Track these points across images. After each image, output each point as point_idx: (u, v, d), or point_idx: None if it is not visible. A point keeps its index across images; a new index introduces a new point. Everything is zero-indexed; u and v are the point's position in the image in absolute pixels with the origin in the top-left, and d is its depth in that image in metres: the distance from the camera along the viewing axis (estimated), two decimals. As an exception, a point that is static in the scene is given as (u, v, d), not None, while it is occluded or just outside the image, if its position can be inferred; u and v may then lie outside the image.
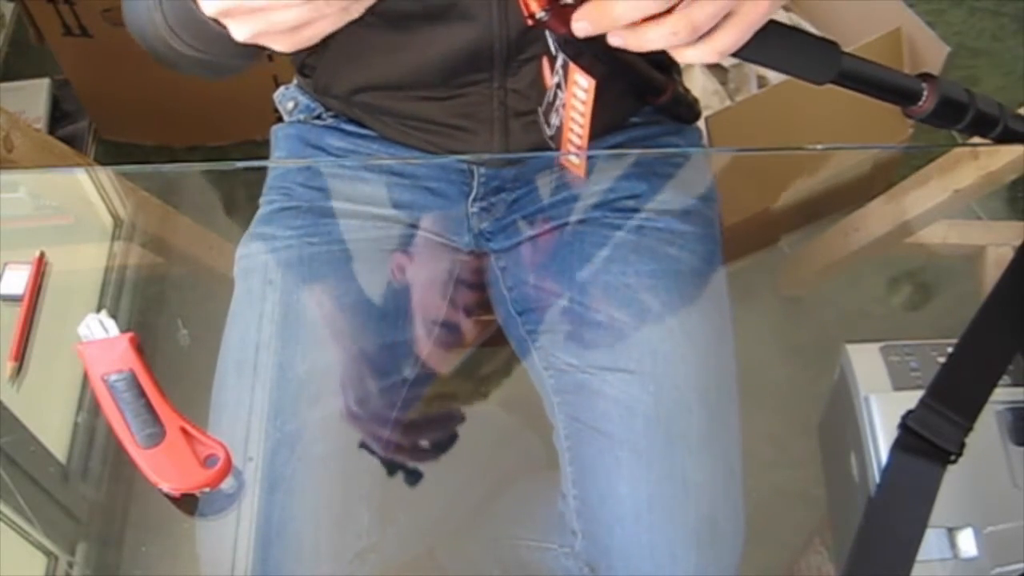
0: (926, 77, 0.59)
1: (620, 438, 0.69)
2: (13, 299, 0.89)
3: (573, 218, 0.80)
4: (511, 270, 0.82)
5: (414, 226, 0.81)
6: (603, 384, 0.71)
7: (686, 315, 0.73)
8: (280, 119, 0.88)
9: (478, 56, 0.69)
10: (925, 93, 0.59)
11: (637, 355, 0.71)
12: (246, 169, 0.92)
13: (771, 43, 0.54)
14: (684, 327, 0.72)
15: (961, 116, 0.60)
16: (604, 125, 0.81)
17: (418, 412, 0.76)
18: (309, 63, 0.77)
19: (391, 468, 0.76)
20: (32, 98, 1.68)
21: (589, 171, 0.79)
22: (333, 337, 0.75)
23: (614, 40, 0.49)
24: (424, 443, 0.76)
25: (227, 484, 0.67)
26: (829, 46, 0.57)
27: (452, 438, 0.79)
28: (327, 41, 0.73)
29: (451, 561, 0.89)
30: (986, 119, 0.61)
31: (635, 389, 0.70)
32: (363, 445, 0.73)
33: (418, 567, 0.84)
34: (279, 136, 0.86)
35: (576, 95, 0.58)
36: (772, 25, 0.52)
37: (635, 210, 0.78)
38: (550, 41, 0.58)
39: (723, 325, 0.75)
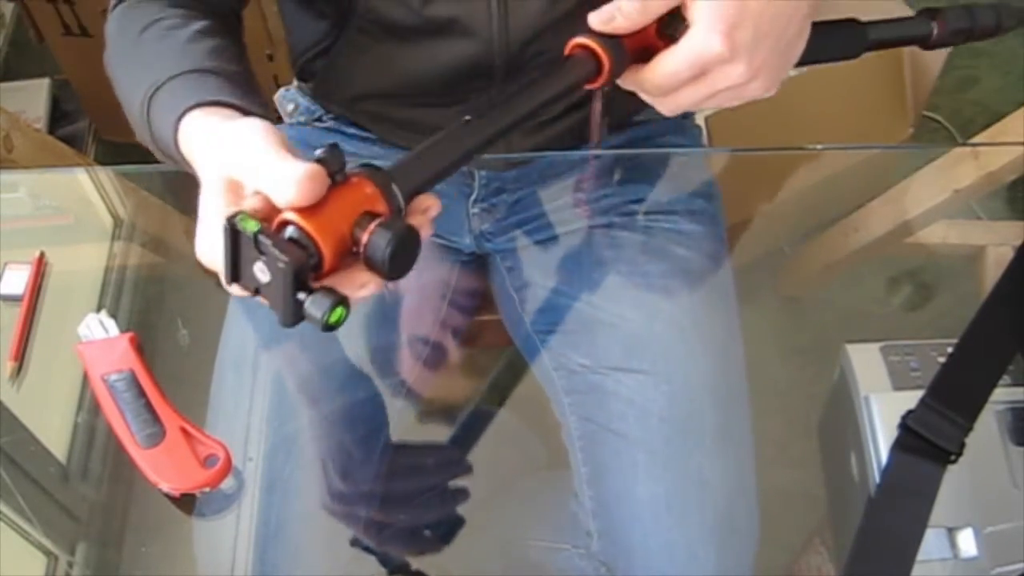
0: (932, 14, 0.64)
1: (635, 438, 0.69)
2: (13, 299, 0.89)
3: (579, 220, 0.80)
4: (518, 270, 0.82)
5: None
6: (616, 385, 0.71)
7: (697, 314, 0.73)
8: (280, 120, 0.88)
9: (479, 70, 0.69)
10: (935, 28, 0.64)
11: (650, 355, 0.71)
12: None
13: None
14: (696, 326, 0.72)
15: (969, 35, 0.65)
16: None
17: (417, 503, 0.73)
18: (309, 69, 0.77)
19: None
20: (32, 98, 1.68)
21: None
22: (332, 338, 0.75)
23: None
24: (426, 531, 0.74)
25: (227, 484, 0.67)
26: (853, 26, 0.61)
27: (458, 522, 0.76)
28: (328, 49, 0.73)
29: (455, 562, 0.89)
30: (987, 29, 0.66)
31: (649, 389, 0.70)
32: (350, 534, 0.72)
33: (420, 567, 0.84)
34: (279, 137, 0.86)
35: None
36: None
37: (641, 214, 0.78)
38: None
39: (732, 322, 0.75)
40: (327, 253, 0.41)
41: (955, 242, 1.17)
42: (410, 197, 0.46)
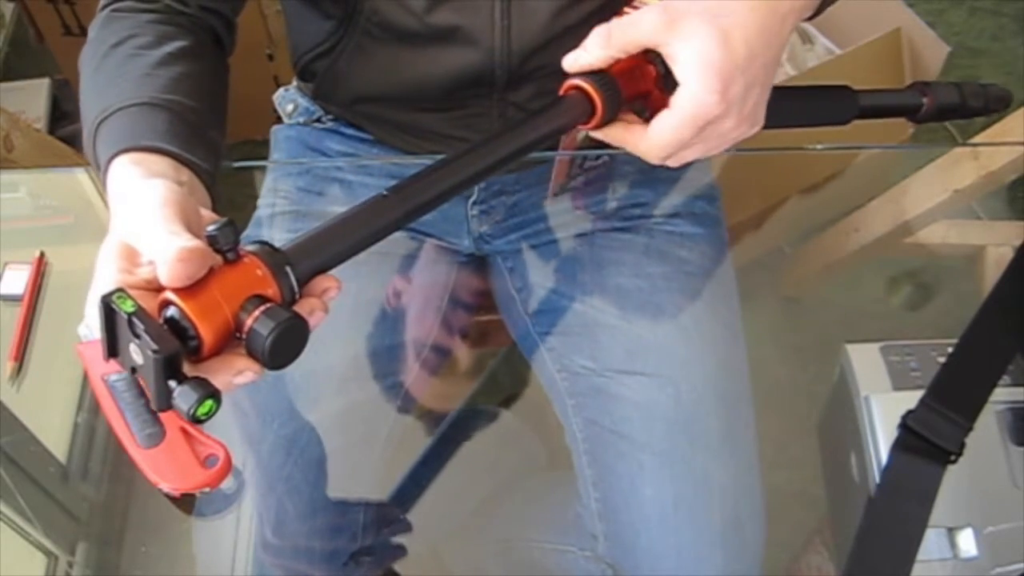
0: (923, 89, 0.65)
1: (641, 441, 0.69)
2: (13, 299, 0.89)
3: (580, 222, 0.80)
4: (519, 271, 0.81)
5: (413, 230, 0.81)
6: (620, 387, 0.71)
7: (700, 316, 0.73)
8: (280, 120, 0.88)
9: (480, 79, 0.69)
10: (925, 103, 0.65)
11: (654, 358, 0.71)
12: (245, 169, 0.91)
13: (791, 108, 0.57)
14: (699, 328, 0.72)
15: (955, 114, 0.66)
16: None
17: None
18: (310, 69, 0.77)
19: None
20: (32, 98, 1.68)
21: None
22: (331, 340, 0.75)
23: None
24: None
25: (227, 484, 0.67)
26: (844, 92, 0.62)
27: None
28: (330, 50, 0.73)
29: (457, 562, 0.89)
30: (974, 109, 0.67)
31: (653, 392, 0.70)
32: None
33: (422, 567, 0.84)
34: (279, 137, 0.86)
35: None
36: (787, 91, 0.54)
37: (643, 216, 0.78)
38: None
39: (735, 324, 0.75)
40: (207, 337, 0.40)
41: (955, 242, 1.17)
42: (310, 277, 0.44)
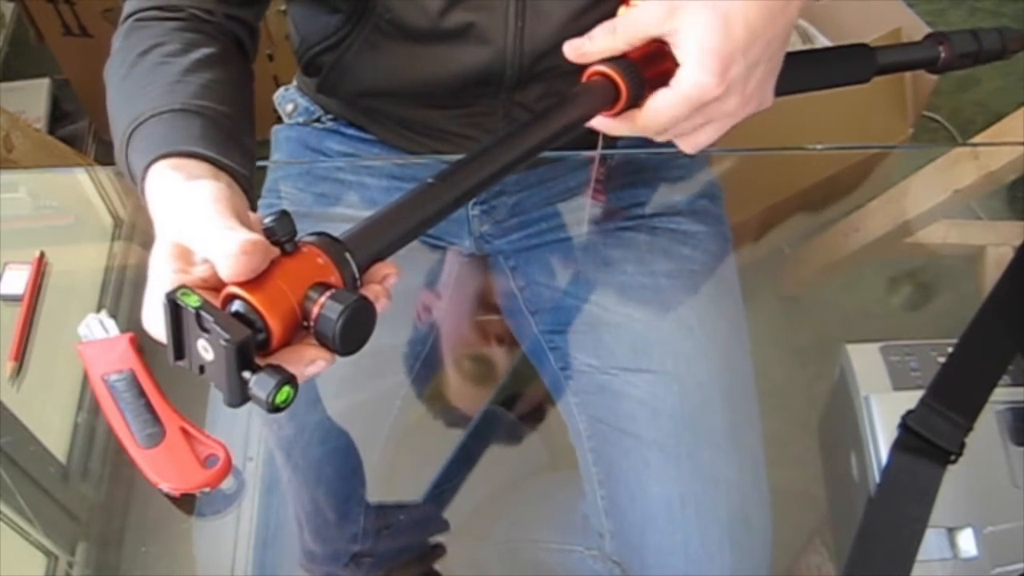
0: (939, 39, 0.66)
1: (647, 438, 0.69)
2: (13, 299, 0.89)
3: (581, 221, 0.80)
4: (522, 269, 0.82)
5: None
6: (625, 385, 0.71)
7: (704, 313, 0.73)
8: (280, 119, 0.87)
9: (489, 78, 0.69)
10: (942, 54, 0.66)
11: (659, 355, 0.71)
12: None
13: (809, 72, 0.57)
14: (703, 325, 0.72)
15: (975, 60, 0.68)
16: None
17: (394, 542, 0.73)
18: (315, 63, 0.76)
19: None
20: (32, 98, 1.68)
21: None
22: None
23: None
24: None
25: (227, 484, 0.67)
26: (862, 50, 0.63)
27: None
28: (338, 44, 0.73)
29: (461, 564, 0.89)
30: (993, 53, 0.68)
31: (659, 389, 0.70)
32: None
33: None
34: (279, 137, 0.86)
35: None
36: (804, 55, 0.54)
37: (645, 215, 0.78)
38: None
39: (738, 321, 0.75)
40: (275, 328, 0.39)
41: (955, 242, 1.17)
42: (368, 265, 0.44)
